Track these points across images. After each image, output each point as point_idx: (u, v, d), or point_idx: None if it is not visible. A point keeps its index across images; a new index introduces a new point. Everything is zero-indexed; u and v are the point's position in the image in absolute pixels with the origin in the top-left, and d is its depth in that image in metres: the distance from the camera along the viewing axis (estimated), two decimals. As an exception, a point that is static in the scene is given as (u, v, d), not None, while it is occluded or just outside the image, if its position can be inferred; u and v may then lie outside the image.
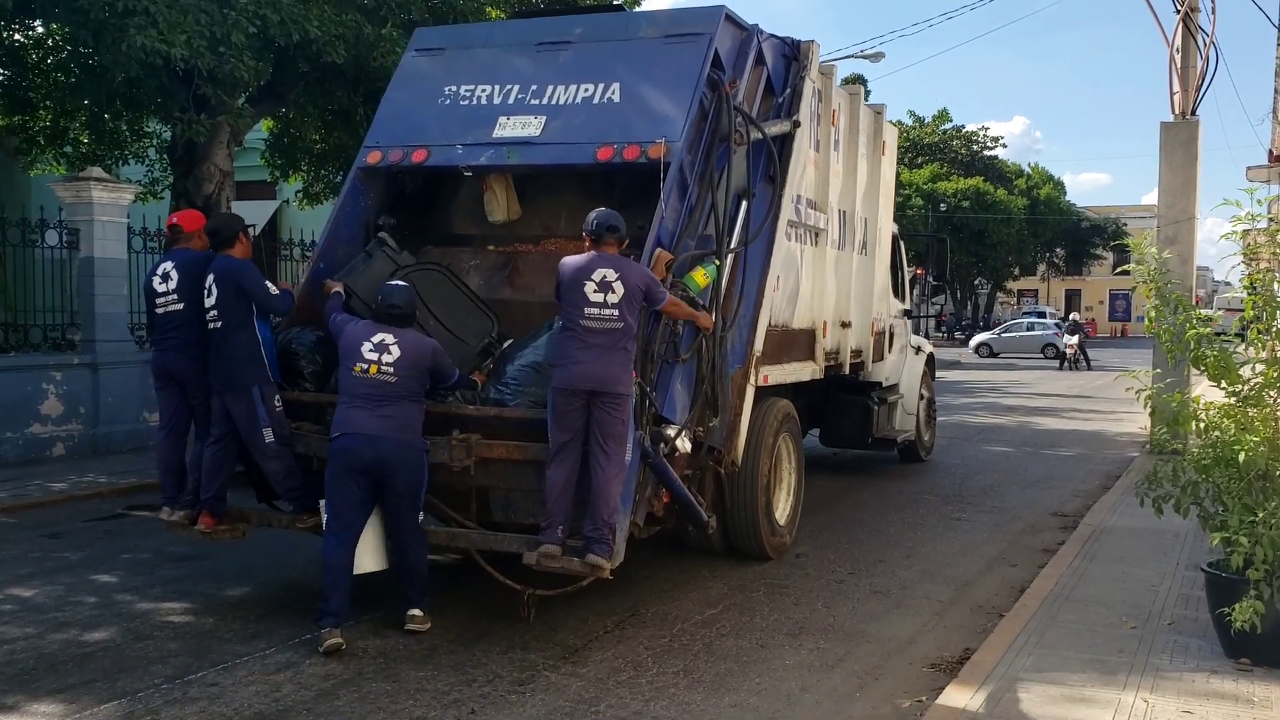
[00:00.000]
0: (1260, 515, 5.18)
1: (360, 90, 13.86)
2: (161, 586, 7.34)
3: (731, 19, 7.73)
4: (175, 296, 6.70)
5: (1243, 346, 6.11)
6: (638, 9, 15.53)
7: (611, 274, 5.93)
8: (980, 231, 51.87)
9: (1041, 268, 69.01)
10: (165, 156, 16.51)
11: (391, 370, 5.89)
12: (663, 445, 6.27)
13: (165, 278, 6.75)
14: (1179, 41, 13.58)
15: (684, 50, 7.42)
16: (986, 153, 58.43)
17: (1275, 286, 5.59)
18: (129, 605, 6.88)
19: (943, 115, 57.89)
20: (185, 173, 14.84)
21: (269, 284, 6.65)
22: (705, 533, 7.27)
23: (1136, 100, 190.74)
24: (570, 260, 6.15)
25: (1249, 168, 25.07)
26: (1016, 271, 62.47)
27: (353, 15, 12.63)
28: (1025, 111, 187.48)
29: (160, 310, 6.77)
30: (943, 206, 50.20)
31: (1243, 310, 5.72)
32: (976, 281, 60.75)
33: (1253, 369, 5.52)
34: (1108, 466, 13.06)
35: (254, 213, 20.42)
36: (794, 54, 8.57)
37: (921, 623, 6.68)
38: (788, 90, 8.43)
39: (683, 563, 7.90)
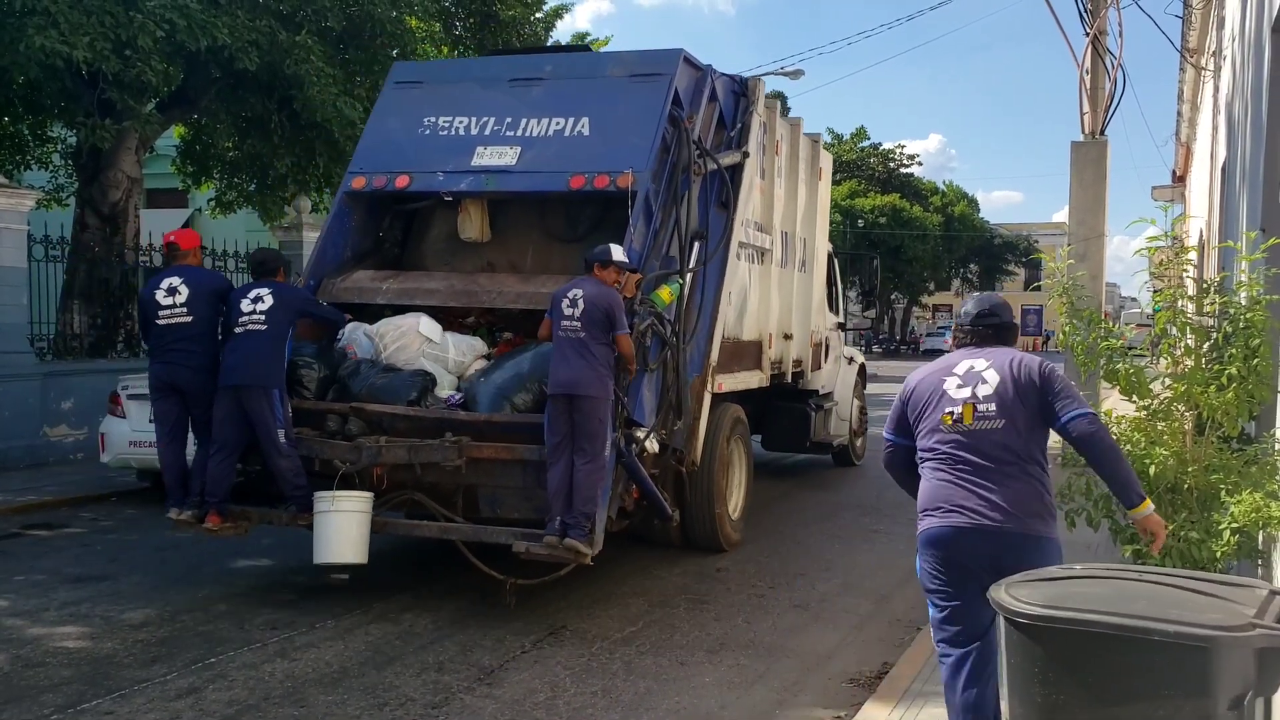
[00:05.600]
0: (1170, 528, 5.25)
1: (274, 97, 13.56)
2: (57, 610, 7.01)
3: (689, 61, 8.37)
4: (184, 310, 7.07)
5: (1152, 361, 6.23)
6: (604, 49, 15.58)
7: (578, 293, 6.59)
8: (897, 248, 52.78)
9: (956, 283, 70.40)
10: (70, 162, 15.99)
11: (993, 409, 4.06)
12: (634, 446, 6.87)
13: (171, 291, 7.10)
14: (1088, 63, 13.90)
15: (647, 89, 8.06)
16: (903, 170, 59.52)
17: (1179, 303, 5.68)
18: (20, 630, 6.55)
19: (860, 133, 58.85)
20: (91, 179, 14.40)
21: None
22: (670, 525, 7.93)
23: (1047, 121, 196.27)
24: (564, 285, 6.86)
25: (1154, 187, 25.91)
26: (932, 287, 63.68)
27: (267, 21, 12.37)
28: (941, 130, 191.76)
29: (162, 322, 7.08)
30: (860, 223, 50.98)
31: (1152, 325, 5.82)
32: (893, 297, 61.76)
33: (1162, 384, 5.61)
34: (1021, 479, 13.26)
35: (165, 221, 19.85)
36: (742, 90, 9.28)
37: (841, 637, 6.67)
38: (738, 125, 9.10)
39: (603, 579, 7.81)
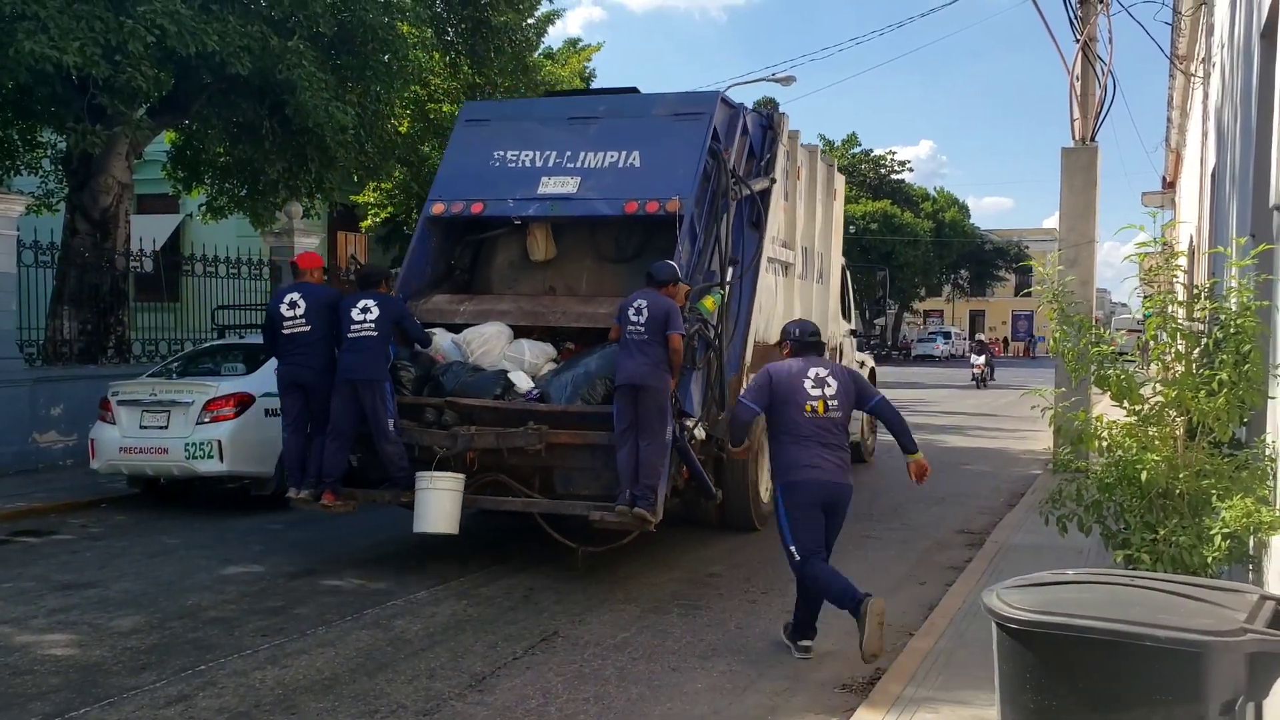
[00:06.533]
0: (1161, 533, 5.26)
1: (266, 102, 13.51)
2: (45, 617, 6.97)
3: (725, 101, 9.63)
4: (303, 320, 8.31)
5: (1142, 366, 6.23)
6: (596, 55, 15.64)
7: (643, 303, 7.66)
8: (888, 253, 52.86)
9: (947, 289, 70.59)
10: (60, 168, 15.93)
11: (837, 405, 6.21)
12: (685, 433, 7.92)
13: (292, 305, 8.36)
14: (1078, 70, 13.96)
15: (690, 126, 9.20)
16: (894, 176, 59.60)
17: (1170, 309, 5.69)
18: (8, 638, 6.51)
19: (852, 139, 58.88)
20: (81, 185, 14.36)
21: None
22: (714, 504, 8.94)
23: (1037, 127, 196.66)
24: (630, 295, 7.90)
25: (1144, 193, 25.96)
26: (923, 293, 63.78)
27: (259, 26, 12.33)
28: (932, 136, 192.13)
29: (287, 331, 8.35)
30: (851, 229, 51.01)
31: (1142, 331, 5.82)
32: (877, 299, 61.84)
33: (1153, 389, 5.62)
34: (1012, 484, 13.30)
35: (156, 227, 19.83)
36: (769, 124, 10.45)
37: (833, 643, 6.65)
38: (767, 155, 10.27)
39: (595, 585, 7.80)
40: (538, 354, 8.64)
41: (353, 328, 8.13)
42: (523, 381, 8.21)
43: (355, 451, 8.30)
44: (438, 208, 9.40)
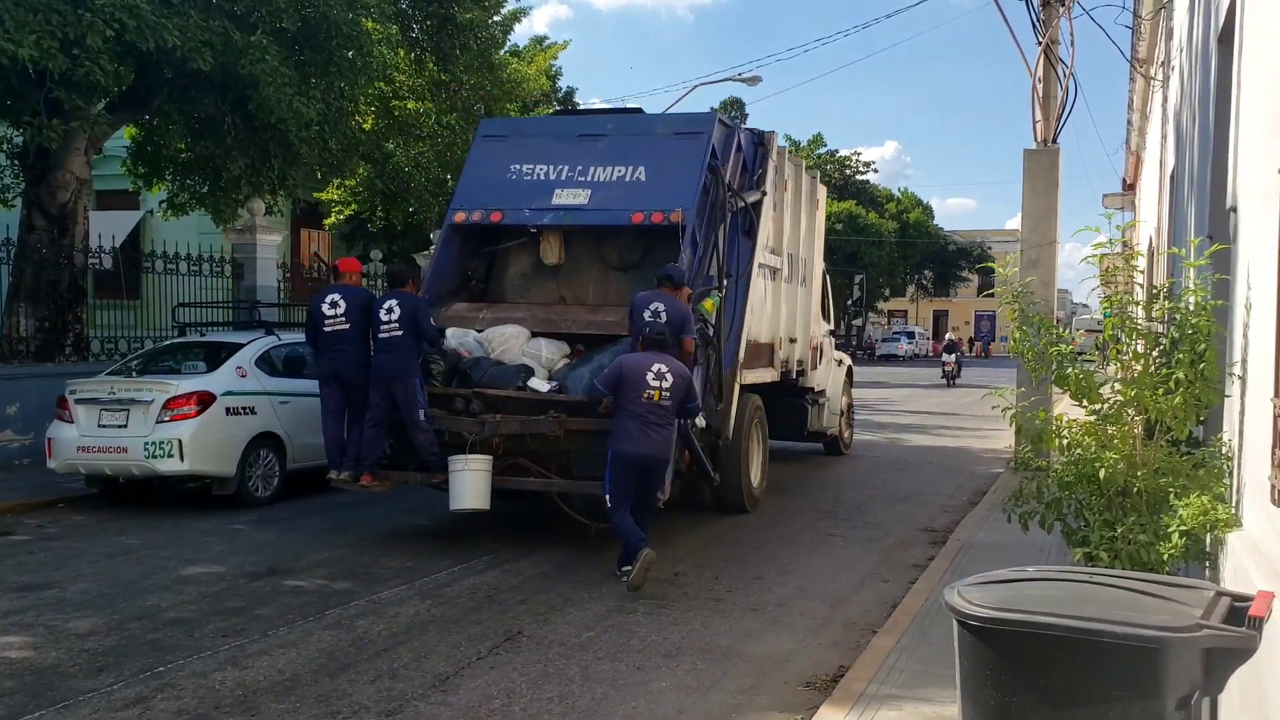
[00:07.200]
0: (1119, 530, 5.31)
1: (228, 98, 13.34)
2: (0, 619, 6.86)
3: (722, 121, 10.60)
4: (343, 319, 9.12)
5: (1102, 365, 6.29)
6: (563, 53, 15.67)
7: (660, 306, 8.54)
8: (853, 254, 53.16)
9: (911, 289, 71.04)
10: (16, 162, 15.67)
11: (669, 395, 7.76)
12: (687, 421, 8.58)
13: (333, 305, 9.17)
14: (1040, 72, 14.09)
15: (691, 144, 10.02)
16: (859, 177, 59.90)
17: (1128, 309, 5.75)
18: (-38, 640, 6.40)
19: (817, 140, 59.14)
20: (38, 180, 14.13)
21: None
22: (712, 486, 9.88)
23: (1000, 129, 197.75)
24: (640, 295, 8.78)
25: (1105, 195, 26.26)
26: (887, 293, 64.17)
27: (220, 21, 12.19)
28: (896, 137, 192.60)
29: (328, 329, 9.16)
30: (817, 228, 51.23)
31: (1101, 331, 5.88)
32: (849, 303, 62.20)
33: (1112, 388, 5.68)
34: (975, 482, 13.41)
35: (115, 223, 19.53)
36: (760, 141, 11.32)
37: (797, 640, 6.69)
38: (759, 170, 11.14)
39: (561, 584, 7.78)
40: (553, 351, 9.46)
41: (382, 328, 8.86)
42: (542, 387, 8.92)
43: (389, 438, 9.02)
44: (460, 216, 10.12)
